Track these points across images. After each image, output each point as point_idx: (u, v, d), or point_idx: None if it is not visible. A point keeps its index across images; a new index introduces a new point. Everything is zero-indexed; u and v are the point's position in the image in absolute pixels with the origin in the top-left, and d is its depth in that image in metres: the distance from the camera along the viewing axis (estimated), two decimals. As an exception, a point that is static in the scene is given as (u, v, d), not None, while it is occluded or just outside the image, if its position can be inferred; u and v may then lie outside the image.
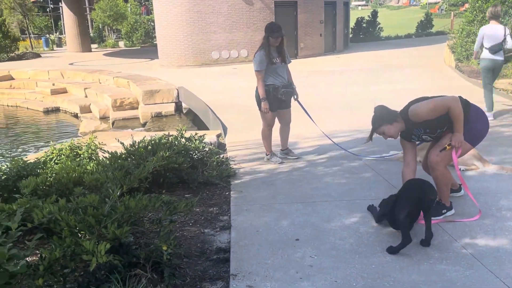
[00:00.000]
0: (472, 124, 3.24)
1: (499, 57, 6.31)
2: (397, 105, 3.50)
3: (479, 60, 6.61)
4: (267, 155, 5.05)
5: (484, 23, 11.20)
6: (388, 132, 3.29)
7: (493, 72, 6.47)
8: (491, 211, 3.42)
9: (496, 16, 6.25)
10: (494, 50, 6.23)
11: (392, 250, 2.80)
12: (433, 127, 3.25)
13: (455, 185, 3.67)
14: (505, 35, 6.15)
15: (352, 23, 25.18)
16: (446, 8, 47.40)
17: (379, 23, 26.50)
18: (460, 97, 3.23)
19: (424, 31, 26.81)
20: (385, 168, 4.58)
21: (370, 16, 26.24)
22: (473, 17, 11.92)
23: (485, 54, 6.39)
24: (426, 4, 54.54)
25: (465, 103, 3.24)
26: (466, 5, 22.89)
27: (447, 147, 3.20)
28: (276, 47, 4.75)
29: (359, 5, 65.51)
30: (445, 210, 3.32)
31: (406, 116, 3.26)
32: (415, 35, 26.30)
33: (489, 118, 5.88)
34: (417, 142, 3.53)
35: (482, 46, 6.43)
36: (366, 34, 26.08)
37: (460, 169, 3.96)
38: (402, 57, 15.59)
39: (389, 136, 3.33)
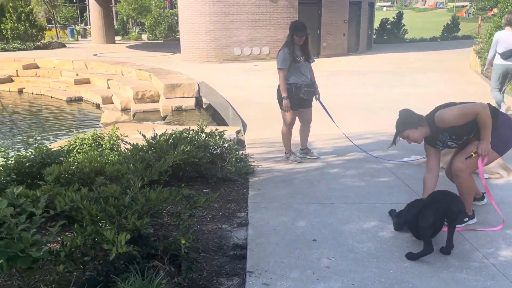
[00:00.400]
0: (500, 131, 3.16)
1: (511, 63, 6.42)
2: (420, 109, 3.44)
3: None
4: (286, 153, 5.04)
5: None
6: (412, 136, 3.24)
7: (503, 77, 6.60)
8: (515, 221, 3.34)
9: (507, 24, 6.40)
10: (506, 55, 6.39)
11: (411, 257, 2.76)
12: (460, 134, 3.19)
13: (478, 194, 3.60)
14: None
15: (376, 24, 24.88)
16: (473, 12, 46.44)
17: (404, 25, 26.12)
18: (489, 104, 3.16)
19: (450, 35, 26.33)
20: (406, 173, 4.52)
21: (395, 17, 25.88)
22: (501, 22, 11.63)
23: (498, 59, 6.54)
24: (453, 7, 53.53)
25: (493, 111, 3.16)
26: (495, 10, 22.38)
27: (473, 155, 3.14)
28: (300, 45, 4.73)
29: (384, 6, 64.70)
30: (467, 219, 3.26)
31: (432, 121, 3.20)
32: (441, 39, 25.85)
33: (501, 109, 6.43)
34: (441, 148, 3.47)
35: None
36: (390, 35, 25.74)
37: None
38: (426, 60, 15.34)
39: (413, 141, 3.28)
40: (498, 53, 6.48)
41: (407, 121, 3.25)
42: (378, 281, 2.55)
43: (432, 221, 2.73)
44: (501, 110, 6.08)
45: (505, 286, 2.50)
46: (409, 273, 2.63)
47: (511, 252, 2.88)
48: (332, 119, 5.23)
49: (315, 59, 5.12)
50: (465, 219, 3.26)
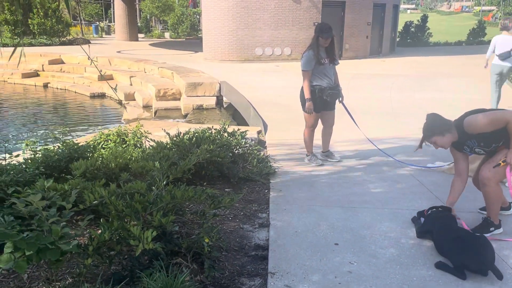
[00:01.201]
0: None
1: (507, 63, 7.20)
2: (445, 115, 3.39)
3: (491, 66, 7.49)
4: (307, 155, 5.02)
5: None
6: (439, 142, 3.20)
7: (501, 76, 7.35)
8: (542, 233, 3.26)
9: (505, 28, 7.17)
10: (503, 57, 7.17)
11: (440, 266, 2.71)
12: (488, 141, 3.13)
13: (505, 203, 3.53)
14: None
15: (400, 27, 24.56)
16: (500, 16, 45.41)
17: (428, 28, 25.70)
18: None
19: (476, 39, 25.81)
20: (429, 179, 4.46)
21: (420, 20, 25.49)
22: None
23: (495, 60, 7.33)
24: (480, 11, 52.49)
25: None
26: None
27: (502, 164, 3.08)
28: (325, 47, 4.71)
29: (408, 9, 63.85)
30: (493, 228, 3.20)
31: (460, 126, 3.15)
32: (466, 43, 25.37)
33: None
34: (468, 154, 3.41)
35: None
36: (414, 38, 25.37)
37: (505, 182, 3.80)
38: (450, 65, 15.09)
39: (440, 146, 3.24)
40: (496, 55, 7.27)
41: (434, 127, 3.20)
42: (401, 288, 2.52)
43: (468, 264, 2.64)
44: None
45: (532, 299, 2.45)
46: (433, 281, 2.59)
47: (538, 264, 2.82)
48: (355, 122, 5.19)
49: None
50: (491, 229, 3.20)
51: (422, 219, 3.27)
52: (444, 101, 8.77)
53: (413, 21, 26.16)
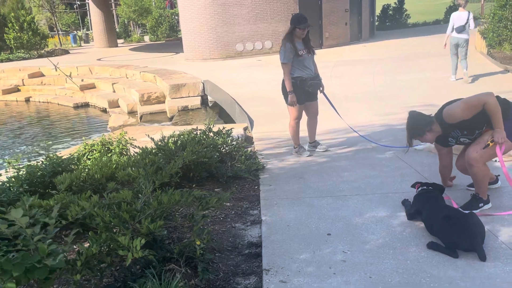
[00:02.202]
0: None
1: (462, 36, 8.44)
2: (426, 95, 3.41)
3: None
4: (295, 148, 5.02)
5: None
6: (423, 140, 3.30)
7: (458, 47, 8.57)
8: (531, 204, 3.30)
9: (459, 5, 8.35)
10: (458, 30, 8.42)
11: (433, 247, 2.73)
12: (471, 128, 3.16)
13: (492, 177, 3.56)
14: (468, 19, 8.32)
15: (378, 11, 24.63)
16: (476, -9, 45.74)
17: (406, 10, 25.83)
18: (497, 96, 3.11)
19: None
20: (417, 160, 4.48)
21: (397, 2, 25.60)
22: (505, 1, 11.46)
23: (453, 33, 8.54)
24: (455, -12, 52.87)
25: (503, 102, 3.12)
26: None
27: (490, 144, 3.09)
28: (302, 38, 4.69)
29: (385, -8, 64.00)
30: (482, 204, 3.22)
31: (441, 119, 3.17)
32: (444, 21, 25.51)
33: (450, 79, 8.63)
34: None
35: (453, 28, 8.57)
36: (393, 21, 25.49)
37: (496, 160, 3.83)
38: (430, 44, 15.16)
39: (425, 141, 3.31)
40: (454, 29, 8.47)
41: (417, 126, 3.26)
42: (395, 272, 2.53)
43: (459, 242, 2.66)
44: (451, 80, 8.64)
45: (525, 271, 2.47)
46: (427, 262, 2.60)
47: (529, 235, 2.85)
48: (336, 111, 5.19)
49: (318, 50, 5.08)
50: (480, 205, 3.23)
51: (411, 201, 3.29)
52: (425, 80, 8.82)
53: (391, 4, 26.26)
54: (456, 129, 3.19)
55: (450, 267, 2.55)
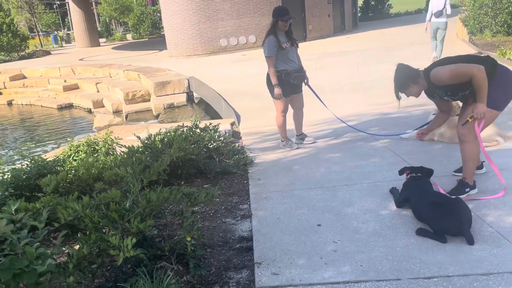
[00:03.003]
0: (498, 88, 3.10)
1: (441, 20, 9.39)
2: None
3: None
4: (282, 141, 5.02)
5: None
6: (409, 92, 3.31)
7: (437, 30, 9.54)
8: (515, 187, 3.35)
9: None
10: (437, 15, 9.38)
11: (421, 233, 2.76)
12: (454, 91, 3.21)
13: (478, 162, 3.60)
14: (445, 4, 9.30)
15: (360, 2, 24.73)
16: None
17: (388, 0, 25.98)
18: (487, 57, 3.15)
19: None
20: (404, 149, 4.52)
21: (379, -7, 25.73)
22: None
23: (433, 18, 9.50)
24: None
25: (492, 65, 3.12)
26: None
27: (469, 120, 3.14)
28: (284, 31, 4.69)
29: (366, -17, 64.21)
30: (468, 189, 3.27)
31: (428, 77, 3.21)
32: (425, 10, 25.72)
33: (432, 56, 9.68)
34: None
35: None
36: (375, 12, 25.63)
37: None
38: (413, 33, 15.29)
39: (411, 95, 3.33)
40: (433, 14, 9.42)
41: (403, 78, 3.28)
42: (386, 259, 2.56)
43: (447, 227, 2.70)
44: (433, 56, 9.62)
45: (511, 252, 2.51)
46: (416, 249, 2.64)
47: (514, 217, 2.90)
48: (322, 102, 5.20)
49: (302, 43, 5.10)
50: (466, 190, 3.27)
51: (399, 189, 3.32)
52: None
53: (373, -6, 26.37)
54: (440, 89, 3.24)
55: (439, 252, 2.58)
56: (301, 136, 5.11)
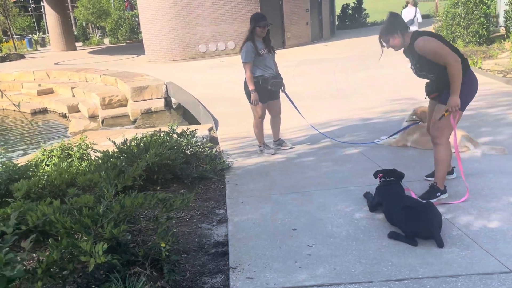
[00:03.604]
0: (462, 88, 3.21)
1: (412, 28, 9.81)
2: (388, 91, 3.52)
3: None
4: (259, 146, 5.05)
5: (468, 4, 11.39)
6: (392, 42, 3.36)
7: None
8: (484, 191, 3.46)
9: (408, 2, 10.62)
10: (409, 23, 9.72)
11: (393, 236, 2.82)
12: (423, 66, 3.29)
13: (449, 167, 3.70)
14: (415, 14, 10.36)
15: (337, 10, 25.13)
16: (430, -9, 47.41)
17: (365, 9, 26.48)
18: (463, 57, 3.25)
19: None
20: (378, 155, 4.61)
21: (356, 2, 26.19)
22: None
23: None
24: (411, -12, 54.56)
25: (465, 66, 3.23)
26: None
27: (445, 114, 3.25)
28: (262, 38, 4.74)
29: (344, -8, 65.27)
30: (439, 193, 3.36)
31: (414, 39, 3.27)
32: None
33: (408, 65, 9.67)
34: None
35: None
36: (352, 20, 26.06)
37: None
38: (389, 42, 15.59)
39: (392, 46, 3.38)
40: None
41: (395, 24, 3.33)
42: (358, 262, 2.60)
43: (418, 231, 2.76)
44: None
45: (479, 255, 2.59)
46: (388, 252, 2.69)
47: (482, 221, 2.99)
48: (297, 109, 5.24)
49: (280, 50, 5.17)
50: (437, 194, 3.36)
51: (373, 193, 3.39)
52: (385, 78, 9.08)
53: (350, 3, 26.84)
54: (414, 57, 3.31)
55: (410, 255, 2.64)
56: (278, 142, 5.15)
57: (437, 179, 3.40)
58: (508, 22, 11.66)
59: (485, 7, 11.70)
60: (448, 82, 3.22)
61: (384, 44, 3.44)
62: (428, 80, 3.50)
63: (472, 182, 3.60)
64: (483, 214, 3.10)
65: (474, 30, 11.80)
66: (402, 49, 3.44)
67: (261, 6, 15.75)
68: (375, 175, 3.55)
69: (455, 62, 3.12)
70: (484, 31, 11.80)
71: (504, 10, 11.85)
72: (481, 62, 9.66)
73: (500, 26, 13.06)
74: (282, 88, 4.93)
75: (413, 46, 3.26)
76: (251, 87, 4.70)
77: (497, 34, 13.02)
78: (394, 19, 3.38)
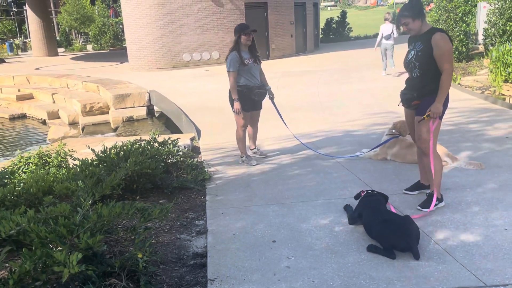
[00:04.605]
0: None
1: (389, 42, 11.17)
2: (368, 105, 3.55)
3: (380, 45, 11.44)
4: (241, 157, 5.04)
5: (448, 22, 11.66)
6: (411, 25, 3.37)
7: (385, 50, 11.31)
8: (461, 206, 3.52)
9: (386, 19, 11.30)
10: (386, 38, 11.18)
11: (372, 249, 2.84)
12: (423, 57, 3.33)
13: (428, 181, 3.76)
14: (392, 30, 11.05)
15: (322, 24, 25.48)
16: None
17: (348, 23, 26.91)
18: None
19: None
20: (358, 167, 4.65)
21: (340, 16, 26.61)
22: (438, 16, 12.27)
23: (383, 40, 11.28)
24: (393, 4, 55.75)
25: None
26: (432, 5, 23.53)
27: (426, 118, 3.34)
28: (248, 48, 4.77)
29: (328, 6, 66.33)
30: (437, 202, 3.42)
31: (431, 30, 3.33)
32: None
33: (382, 75, 11.27)
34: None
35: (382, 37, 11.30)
36: (336, 34, 26.43)
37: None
38: (371, 56, 15.84)
39: (408, 29, 3.39)
40: (383, 37, 11.21)
41: (417, 9, 3.35)
42: (337, 275, 2.60)
43: (396, 244, 2.79)
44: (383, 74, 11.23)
45: (455, 269, 2.62)
46: (366, 265, 2.70)
47: (458, 235, 3.04)
48: (283, 120, 5.29)
49: (264, 61, 5.23)
50: (435, 202, 3.41)
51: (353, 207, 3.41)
52: (367, 91, 9.21)
53: (334, 17, 27.24)
54: (424, 45, 3.33)
55: (388, 268, 2.66)
56: (254, 150, 5.19)
57: (434, 187, 3.45)
58: (487, 40, 11.98)
59: (464, 25, 12.01)
60: (430, 87, 3.33)
61: (402, 24, 3.44)
62: (404, 88, 3.57)
63: (449, 196, 3.65)
64: (460, 228, 3.14)
65: (454, 47, 12.09)
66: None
67: (246, 17, 15.87)
68: (357, 196, 3.53)
69: (451, 73, 3.28)
70: (464, 48, 12.09)
71: (483, 28, 12.16)
72: (460, 78, 9.89)
73: (479, 44, 13.40)
74: (271, 96, 4.99)
75: (431, 35, 3.31)
76: (234, 95, 4.72)
77: (476, 51, 13.35)
78: (420, 3, 3.43)
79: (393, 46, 11.26)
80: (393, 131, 4.87)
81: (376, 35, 23.63)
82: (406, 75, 3.62)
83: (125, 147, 4.27)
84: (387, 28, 11.17)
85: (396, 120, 5.10)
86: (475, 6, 13.05)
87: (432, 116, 3.32)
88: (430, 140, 3.39)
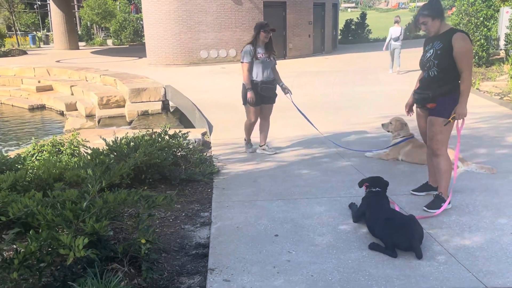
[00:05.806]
0: (455, 102, 3.33)
1: (397, 43, 12.23)
2: (382, 107, 3.54)
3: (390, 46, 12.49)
4: (245, 140, 5.26)
5: (469, 26, 11.48)
6: (430, 25, 3.32)
7: (394, 50, 12.30)
8: (468, 208, 3.48)
9: (396, 22, 12.33)
10: (395, 39, 12.26)
11: (374, 247, 2.83)
12: (442, 56, 3.29)
13: (436, 183, 3.72)
14: (401, 32, 12.23)
15: (341, 25, 25.32)
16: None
17: (368, 25, 26.68)
18: None
19: (412, 34, 27.05)
20: (367, 167, 4.63)
21: (359, 18, 26.40)
22: (459, 20, 12.09)
23: (391, 42, 12.34)
24: (415, 7, 55.07)
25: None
26: (454, 9, 23.15)
27: (451, 120, 3.33)
28: (265, 44, 4.85)
29: (349, 7, 65.90)
30: (443, 203, 3.39)
31: (451, 30, 3.31)
32: (403, 38, 26.52)
33: (389, 72, 12.23)
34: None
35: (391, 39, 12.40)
36: (355, 36, 26.23)
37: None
38: (389, 58, 15.70)
39: (427, 28, 3.35)
40: (392, 39, 12.31)
41: (438, 9, 3.32)
42: (336, 271, 2.61)
43: (399, 243, 2.79)
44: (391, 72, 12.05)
45: (456, 270, 2.60)
46: (367, 262, 2.70)
47: (463, 237, 3.01)
48: (306, 117, 5.36)
49: (281, 61, 5.31)
50: (441, 204, 3.39)
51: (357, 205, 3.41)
52: (382, 93, 9.14)
53: (353, 19, 27.03)
54: (443, 44, 3.29)
55: (388, 266, 2.65)
56: (264, 147, 5.23)
57: (442, 189, 3.44)
58: (508, 46, 11.73)
59: (486, 29, 11.79)
60: (447, 87, 3.32)
61: (421, 23, 3.37)
62: (418, 87, 3.55)
63: (457, 199, 3.62)
64: (465, 230, 3.11)
65: (474, 51, 11.90)
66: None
67: (265, 16, 15.88)
68: (360, 184, 3.56)
69: (471, 73, 3.27)
70: (484, 53, 11.88)
71: (505, 34, 11.92)
72: (479, 84, 9.73)
73: (500, 49, 13.13)
74: (287, 91, 5.11)
75: (451, 35, 3.26)
76: (248, 85, 4.84)
77: (497, 56, 13.10)
78: (439, 3, 3.39)
79: (400, 46, 12.35)
80: (389, 126, 4.90)
81: (397, 39, 23.54)
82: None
83: (135, 138, 4.34)
84: (396, 30, 12.19)
85: (403, 120, 5.06)
86: (498, 11, 12.81)
87: (457, 118, 3.30)
88: (457, 144, 3.38)
